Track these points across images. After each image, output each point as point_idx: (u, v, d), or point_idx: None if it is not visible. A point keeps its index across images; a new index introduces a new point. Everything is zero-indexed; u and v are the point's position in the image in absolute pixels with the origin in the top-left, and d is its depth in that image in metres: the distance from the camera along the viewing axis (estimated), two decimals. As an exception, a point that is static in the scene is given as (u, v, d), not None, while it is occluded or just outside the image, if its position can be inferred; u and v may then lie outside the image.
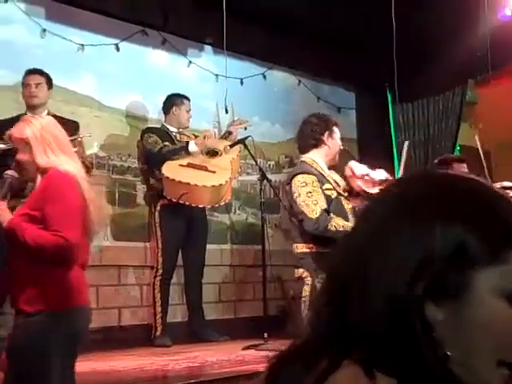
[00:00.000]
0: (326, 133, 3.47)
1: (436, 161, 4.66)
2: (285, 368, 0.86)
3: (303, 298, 3.24)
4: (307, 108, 6.69)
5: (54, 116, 4.49)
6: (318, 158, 3.41)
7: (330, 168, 3.51)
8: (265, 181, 4.76)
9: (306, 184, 3.22)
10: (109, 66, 5.54)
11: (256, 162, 4.96)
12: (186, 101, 5.29)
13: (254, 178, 5.50)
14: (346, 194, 3.40)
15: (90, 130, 4.61)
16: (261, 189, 4.70)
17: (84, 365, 3.90)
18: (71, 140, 4.35)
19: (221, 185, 4.83)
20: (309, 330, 0.87)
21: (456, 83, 6.73)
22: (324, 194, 3.22)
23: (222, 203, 5.00)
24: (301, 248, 3.30)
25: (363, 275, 0.81)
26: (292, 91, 6.75)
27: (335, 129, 3.55)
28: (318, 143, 3.46)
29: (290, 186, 3.27)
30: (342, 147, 3.58)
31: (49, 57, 5.03)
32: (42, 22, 5.12)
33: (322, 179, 3.29)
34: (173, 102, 5.27)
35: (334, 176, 3.42)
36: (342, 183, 3.43)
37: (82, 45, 5.31)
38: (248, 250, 6.00)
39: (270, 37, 6.19)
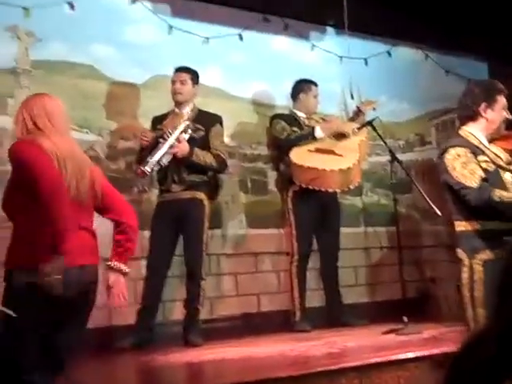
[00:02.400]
0: (483, 104, 3.18)
1: None
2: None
3: (464, 282, 3.10)
4: (436, 82, 6.53)
5: (199, 111, 4.66)
6: (475, 131, 3.19)
7: (492, 140, 3.28)
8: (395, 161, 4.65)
9: (459, 156, 3.06)
10: (234, 56, 5.63)
11: (385, 143, 4.82)
12: (313, 86, 5.25)
13: (384, 158, 5.39)
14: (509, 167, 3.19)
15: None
16: (391, 171, 4.59)
17: (225, 351, 4.04)
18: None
19: (349, 168, 4.76)
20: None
21: None
22: (480, 166, 3.05)
23: (352, 187, 4.91)
24: (458, 226, 3.15)
25: None
26: (419, 66, 6.56)
27: (498, 97, 3.21)
28: (474, 115, 3.21)
29: (443, 161, 3.13)
30: (508, 117, 3.25)
31: (176, 52, 5.18)
32: (168, 19, 5.27)
33: (476, 151, 3.10)
34: (300, 88, 5.26)
35: (493, 149, 3.20)
36: (505, 155, 3.21)
37: (207, 38, 5.43)
38: (382, 232, 5.93)
39: (392, 13, 6.02)
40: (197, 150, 4.46)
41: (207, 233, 4.53)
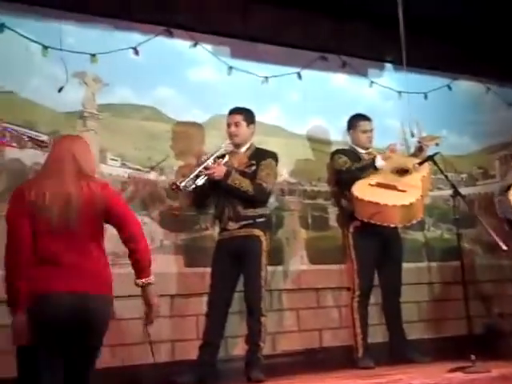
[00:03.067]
0: None
1: None
2: None
3: None
4: (498, 115, 6.46)
5: (256, 149, 4.71)
6: None
7: None
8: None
9: None
10: (292, 95, 5.71)
11: (447, 178, 4.74)
12: (361, 122, 5.18)
13: (446, 193, 5.32)
14: None
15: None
16: (454, 205, 4.51)
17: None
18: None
19: (411, 203, 4.70)
20: None
21: None
22: None
23: (414, 222, 4.86)
24: None
25: None
26: (480, 100, 6.51)
27: None
28: None
29: (506, 197, 3.10)
30: None
31: (235, 92, 5.29)
32: (228, 60, 5.41)
33: None
34: (349, 124, 5.25)
35: None
36: None
37: (266, 77, 5.54)
38: (446, 267, 5.83)
39: (451, 47, 6.02)
40: (234, 174, 4.48)
41: (266, 269, 4.49)
